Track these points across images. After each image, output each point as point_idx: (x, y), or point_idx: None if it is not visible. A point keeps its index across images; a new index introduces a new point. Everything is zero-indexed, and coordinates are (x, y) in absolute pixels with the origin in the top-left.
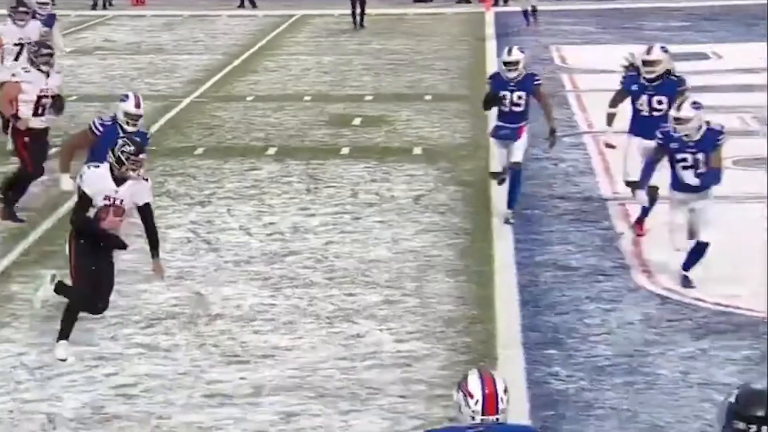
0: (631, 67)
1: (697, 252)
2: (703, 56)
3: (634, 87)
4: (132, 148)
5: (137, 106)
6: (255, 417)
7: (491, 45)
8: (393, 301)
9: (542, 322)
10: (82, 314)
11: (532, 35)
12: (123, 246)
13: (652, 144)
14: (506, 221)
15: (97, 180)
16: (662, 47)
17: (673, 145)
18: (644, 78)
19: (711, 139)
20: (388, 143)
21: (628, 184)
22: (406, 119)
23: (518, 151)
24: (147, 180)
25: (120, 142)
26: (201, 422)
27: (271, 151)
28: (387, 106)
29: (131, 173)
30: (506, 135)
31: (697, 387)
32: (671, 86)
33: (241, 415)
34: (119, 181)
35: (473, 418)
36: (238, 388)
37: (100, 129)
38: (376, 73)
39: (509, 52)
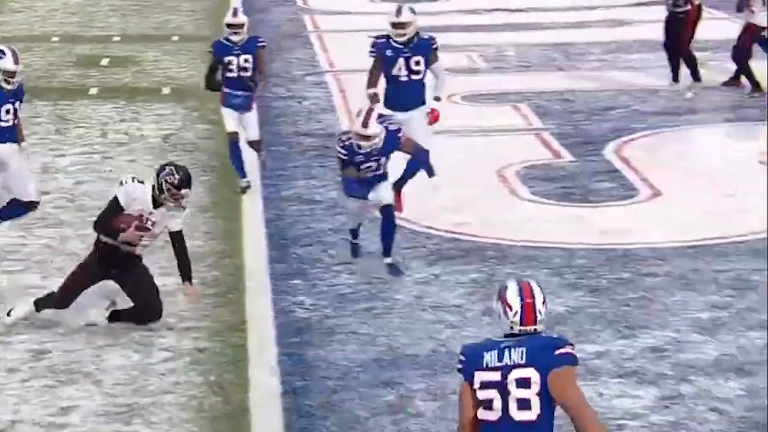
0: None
1: (387, 232)
2: None
3: (389, 52)
4: (175, 179)
5: (16, 62)
6: (5, 355)
7: None
8: None
9: (288, 254)
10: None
11: None
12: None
13: (409, 116)
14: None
15: (136, 194)
16: (410, 8)
17: (358, 158)
18: (396, 42)
19: (392, 140)
20: (136, 83)
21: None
22: (154, 59)
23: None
24: (185, 208)
25: (166, 169)
26: None
27: None
28: (134, 46)
29: (169, 204)
30: (238, 104)
31: (430, 310)
32: (426, 46)
33: None
34: (157, 203)
35: (512, 328)
36: None
37: None
38: (123, 14)
39: (234, 13)
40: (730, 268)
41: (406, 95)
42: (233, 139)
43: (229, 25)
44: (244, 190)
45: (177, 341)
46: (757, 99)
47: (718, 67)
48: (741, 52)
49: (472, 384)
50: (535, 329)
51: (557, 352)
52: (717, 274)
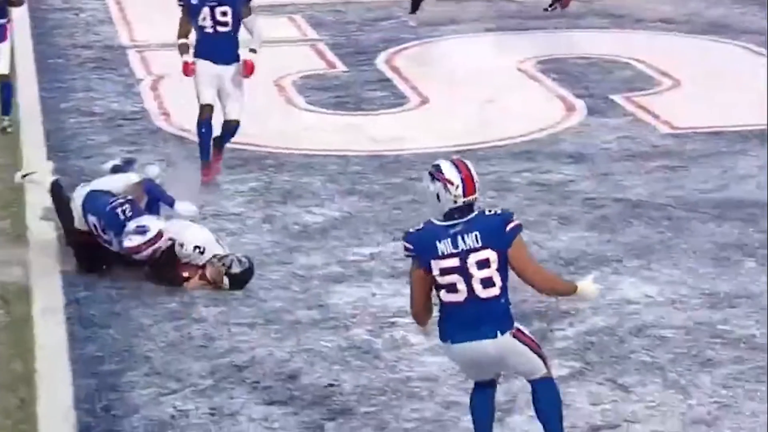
0: None
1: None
2: None
3: (194, 0)
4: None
5: None
6: None
7: None
8: None
9: (69, 166)
10: None
11: None
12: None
13: (221, 70)
14: None
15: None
16: None
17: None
18: None
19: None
20: None
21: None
22: None
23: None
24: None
25: None
26: None
27: None
28: None
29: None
30: None
31: (211, 218)
32: None
33: None
34: None
35: (455, 202)
36: None
37: None
38: None
39: None
40: (490, 171)
41: (214, 48)
42: None
43: None
44: (4, 129)
45: None
46: (521, 5)
47: None
48: None
49: (429, 271)
50: (475, 198)
51: (508, 228)
52: (480, 177)
